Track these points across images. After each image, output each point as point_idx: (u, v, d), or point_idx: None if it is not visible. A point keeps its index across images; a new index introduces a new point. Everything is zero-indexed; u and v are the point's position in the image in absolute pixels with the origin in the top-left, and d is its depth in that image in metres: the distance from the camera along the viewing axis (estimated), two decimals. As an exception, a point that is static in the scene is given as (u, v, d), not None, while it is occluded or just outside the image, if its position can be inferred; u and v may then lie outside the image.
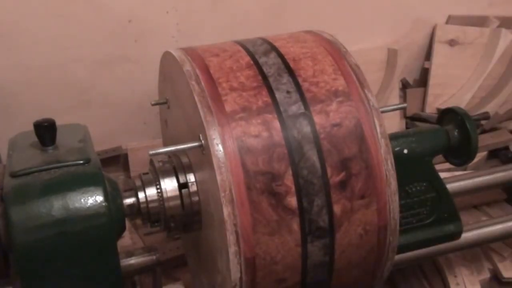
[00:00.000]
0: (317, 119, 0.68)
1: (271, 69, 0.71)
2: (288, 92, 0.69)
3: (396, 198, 0.70)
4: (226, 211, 0.64)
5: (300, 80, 0.70)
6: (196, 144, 0.68)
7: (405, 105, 0.82)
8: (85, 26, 1.25)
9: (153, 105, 0.89)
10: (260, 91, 0.69)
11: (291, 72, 0.71)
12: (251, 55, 0.74)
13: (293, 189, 0.66)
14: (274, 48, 0.75)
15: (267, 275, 0.67)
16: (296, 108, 0.68)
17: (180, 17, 1.32)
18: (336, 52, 0.72)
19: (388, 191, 0.69)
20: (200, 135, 0.67)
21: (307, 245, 0.67)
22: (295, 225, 0.66)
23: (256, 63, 0.72)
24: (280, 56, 0.74)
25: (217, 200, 0.65)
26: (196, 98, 0.68)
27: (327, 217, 0.67)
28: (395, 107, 0.79)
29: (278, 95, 0.69)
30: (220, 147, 0.65)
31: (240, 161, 0.65)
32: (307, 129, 0.67)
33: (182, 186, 0.76)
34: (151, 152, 0.69)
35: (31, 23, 1.21)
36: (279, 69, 0.71)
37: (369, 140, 0.68)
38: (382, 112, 0.71)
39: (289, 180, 0.66)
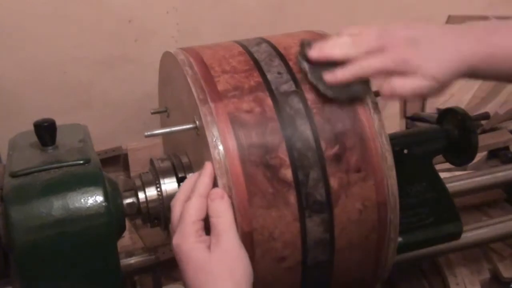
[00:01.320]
0: (309, 96, 0.69)
1: (262, 55, 0.72)
2: (279, 73, 0.70)
3: (393, 173, 0.70)
4: (221, 182, 0.64)
5: (291, 63, 0.71)
6: (191, 126, 0.68)
7: None
8: (85, 26, 1.25)
9: (153, 113, 0.89)
10: (252, 73, 0.70)
11: (282, 57, 0.72)
12: (244, 47, 0.76)
13: (287, 161, 0.66)
14: (266, 41, 0.77)
15: (266, 253, 0.66)
16: (288, 86, 0.69)
17: (180, 17, 1.32)
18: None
19: (384, 165, 0.69)
20: (195, 117, 0.67)
21: (305, 220, 0.67)
22: (292, 198, 0.66)
23: (248, 52, 0.74)
24: (272, 46, 0.76)
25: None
26: (189, 80, 0.69)
27: (323, 190, 0.67)
28: None
29: (269, 76, 0.70)
30: (213, 123, 0.65)
31: (234, 135, 0.65)
32: (299, 105, 0.68)
33: (181, 179, 0.76)
34: (146, 134, 0.70)
35: (31, 23, 1.21)
36: (271, 55, 0.72)
37: (362, 115, 0.69)
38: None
39: (283, 153, 0.66)
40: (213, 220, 0.63)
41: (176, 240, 0.62)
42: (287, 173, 0.66)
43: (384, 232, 0.71)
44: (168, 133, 0.71)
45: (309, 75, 0.69)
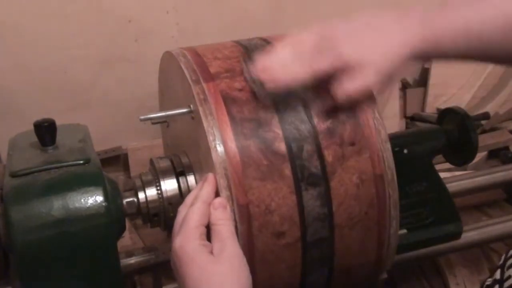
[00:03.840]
0: None
1: (254, 46, 0.75)
2: None
3: (388, 146, 0.70)
4: (214, 154, 0.65)
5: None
6: (186, 110, 0.70)
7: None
8: (85, 26, 1.25)
9: (153, 123, 0.89)
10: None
11: (270, 42, 0.75)
12: (238, 42, 0.78)
13: (281, 134, 0.67)
14: (260, 37, 0.80)
15: (263, 226, 0.66)
16: None
17: (180, 17, 1.32)
18: None
19: (378, 138, 0.69)
20: (190, 103, 0.69)
21: (301, 193, 0.67)
22: (287, 170, 0.66)
23: (240, 44, 0.77)
24: (264, 39, 0.78)
25: (207, 151, 0.66)
26: (183, 66, 0.71)
27: (318, 162, 0.67)
28: None
29: None
30: (207, 100, 0.67)
31: (226, 111, 0.66)
32: None
33: (180, 173, 0.77)
34: (141, 117, 0.71)
35: (31, 23, 1.21)
36: (261, 45, 0.74)
37: None
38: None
39: (276, 126, 0.67)
40: (217, 227, 0.63)
41: (179, 242, 0.62)
42: (281, 146, 0.66)
43: (383, 207, 0.71)
44: (164, 118, 0.72)
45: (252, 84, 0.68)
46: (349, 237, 0.71)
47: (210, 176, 0.66)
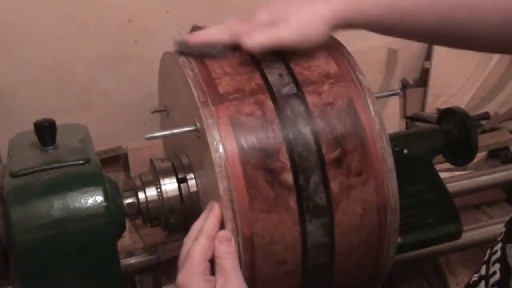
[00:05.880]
0: (310, 99, 0.68)
1: (263, 57, 0.72)
2: (280, 75, 0.70)
3: (393, 176, 0.69)
4: (221, 186, 0.64)
5: (291, 65, 0.71)
6: (191, 128, 0.68)
7: (398, 91, 0.83)
8: (85, 26, 1.25)
9: (152, 112, 0.90)
10: (253, 75, 0.70)
11: (283, 58, 0.72)
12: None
13: (288, 165, 0.65)
14: None
15: (266, 256, 0.66)
16: (289, 89, 0.69)
17: (180, 17, 1.32)
18: (328, 41, 0.73)
19: (385, 168, 0.69)
20: (196, 119, 0.67)
21: (305, 224, 0.66)
22: (292, 202, 0.66)
23: (249, 53, 0.74)
24: None
25: (213, 180, 0.65)
26: (190, 82, 0.69)
27: (324, 194, 0.66)
28: (388, 93, 0.80)
29: (270, 78, 0.70)
30: (214, 126, 0.65)
31: (235, 138, 0.65)
32: (300, 108, 0.68)
33: (181, 180, 0.77)
34: (147, 136, 0.69)
35: (31, 23, 1.21)
36: (271, 56, 0.72)
37: (362, 118, 0.69)
38: (376, 97, 0.72)
39: (284, 157, 0.66)
40: (221, 261, 0.63)
41: (182, 278, 0.62)
42: (288, 177, 0.65)
43: (384, 234, 0.71)
44: (169, 136, 0.70)
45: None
46: (348, 262, 0.71)
47: (216, 207, 0.65)
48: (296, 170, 0.66)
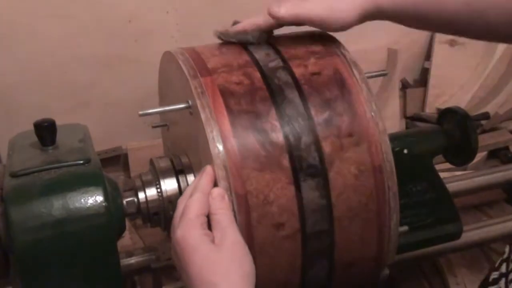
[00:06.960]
0: (296, 70, 0.71)
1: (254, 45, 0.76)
2: (267, 54, 0.74)
3: (386, 138, 0.70)
4: (212, 146, 0.65)
5: (278, 46, 0.75)
6: (184, 105, 0.70)
7: (386, 72, 0.84)
8: (85, 26, 1.25)
9: (153, 127, 0.91)
10: (241, 55, 0.73)
11: (270, 42, 0.76)
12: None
13: (278, 126, 0.67)
14: None
15: (262, 217, 0.66)
16: (276, 63, 0.72)
17: (180, 17, 1.32)
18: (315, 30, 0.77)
19: (376, 130, 0.70)
20: (188, 97, 0.69)
21: (300, 184, 0.67)
22: (285, 161, 0.66)
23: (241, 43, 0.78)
24: None
25: (205, 144, 0.66)
26: (181, 63, 0.72)
27: (316, 154, 0.67)
28: (377, 73, 0.80)
29: (257, 55, 0.73)
30: (204, 95, 0.67)
31: (224, 103, 0.67)
32: (287, 77, 0.70)
33: (179, 172, 0.77)
34: (140, 113, 0.73)
35: (31, 23, 1.21)
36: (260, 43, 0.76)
37: (349, 84, 0.71)
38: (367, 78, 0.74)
39: (273, 118, 0.67)
40: (217, 217, 0.64)
41: (181, 232, 0.62)
42: (279, 137, 0.67)
43: (383, 199, 0.70)
44: (162, 112, 0.73)
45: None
46: (349, 229, 0.71)
47: (208, 167, 0.66)
48: (286, 130, 0.67)
